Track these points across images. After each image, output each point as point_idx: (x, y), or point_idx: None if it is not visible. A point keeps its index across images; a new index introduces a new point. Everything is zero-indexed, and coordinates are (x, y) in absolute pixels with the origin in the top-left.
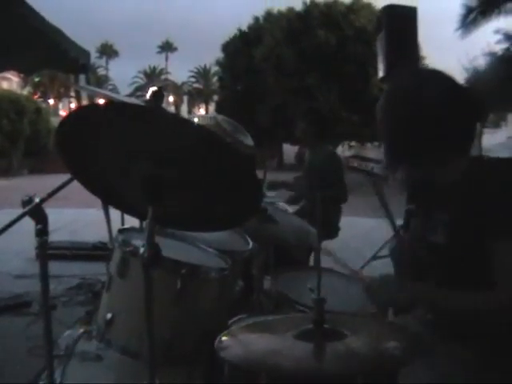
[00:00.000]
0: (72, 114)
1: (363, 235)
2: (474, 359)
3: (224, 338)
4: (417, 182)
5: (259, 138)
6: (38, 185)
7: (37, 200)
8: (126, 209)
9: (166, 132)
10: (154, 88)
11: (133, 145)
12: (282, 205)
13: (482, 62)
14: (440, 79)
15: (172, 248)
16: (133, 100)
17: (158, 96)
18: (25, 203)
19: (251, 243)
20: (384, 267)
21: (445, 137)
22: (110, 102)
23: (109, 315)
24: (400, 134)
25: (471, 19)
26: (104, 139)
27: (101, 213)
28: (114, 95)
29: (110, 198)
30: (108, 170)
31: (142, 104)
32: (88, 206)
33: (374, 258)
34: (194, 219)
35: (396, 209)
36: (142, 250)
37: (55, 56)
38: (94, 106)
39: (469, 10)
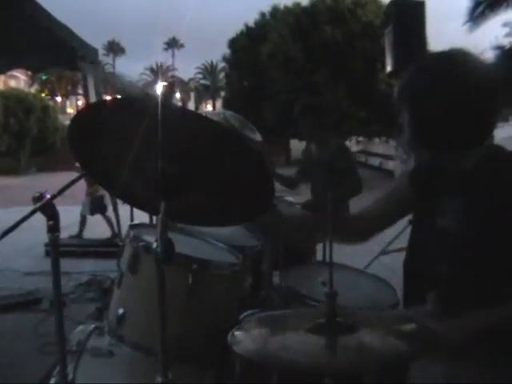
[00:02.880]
0: (84, 110)
1: None
2: (488, 356)
3: (237, 333)
4: (425, 166)
5: (267, 134)
6: (46, 183)
7: (48, 196)
8: (137, 204)
9: (177, 127)
10: (164, 83)
11: (145, 140)
12: (290, 199)
13: (490, 56)
14: (481, 67)
15: (183, 243)
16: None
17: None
18: (36, 199)
19: (261, 238)
20: (392, 263)
21: (480, 123)
22: (120, 98)
23: (120, 311)
24: (434, 118)
25: (479, 12)
26: (116, 135)
27: (108, 210)
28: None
29: (122, 193)
30: (120, 166)
31: (153, 98)
32: None
33: (383, 253)
34: (206, 214)
35: None
36: (155, 245)
37: (63, 54)
38: (104, 101)
39: (477, 3)
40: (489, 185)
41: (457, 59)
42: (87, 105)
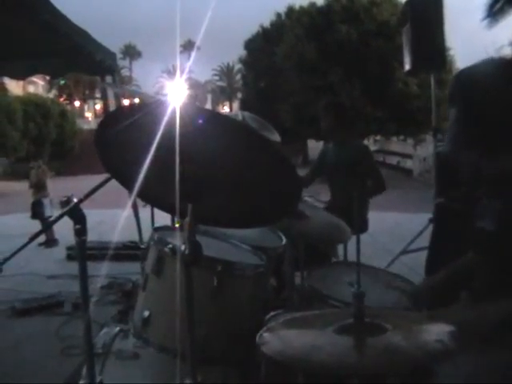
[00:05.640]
0: (111, 115)
1: (391, 230)
2: None
3: (265, 334)
4: (466, 171)
5: (284, 134)
6: (66, 187)
7: (75, 200)
8: (162, 206)
9: (203, 130)
10: (183, 87)
11: (170, 143)
12: (311, 200)
13: (508, 52)
14: None
15: (207, 245)
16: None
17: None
18: (63, 204)
19: (284, 239)
20: (413, 262)
21: None
22: (146, 103)
23: (146, 313)
24: (486, 121)
25: (498, 8)
26: (142, 139)
27: (128, 213)
28: (140, 91)
29: (147, 196)
30: (147, 170)
31: (181, 102)
32: (115, 206)
33: (403, 253)
34: (233, 216)
35: (424, 203)
36: (183, 248)
37: (82, 59)
38: (130, 106)
39: None
40: None
41: None
42: (112, 110)
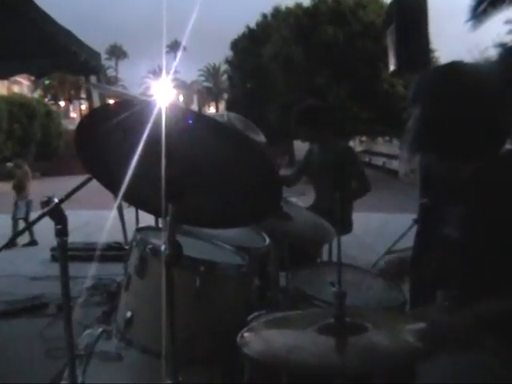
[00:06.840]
0: (90, 115)
1: (376, 230)
2: (496, 345)
3: (246, 334)
4: (432, 175)
5: (270, 135)
6: (51, 187)
7: (56, 200)
8: (144, 207)
9: (187, 130)
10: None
11: (151, 143)
12: (295, 200)
13: (492, 53)
14: (489, 83)
15: (189, 246)
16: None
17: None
18: (43, 204)
19: (267, 239)
20: None
21: (493, 134)
22: (127, 102)
23: (128, 314)
24: (449, 124)
25: (481, 10)
26: (122, 139)
27: (114, 214)
28: (125, 92)
29: (129, 196)
30: (127, 169)
31: (164, 102)
32: (100, 207)
33: (388, 253)
34: (213, 216)
35: (409, 203)
36: (163, 248)
37: (66, 58)
38: (109, 105)
39: (479, 1)
40: (488, 192)
41: (469, 71)
42: (92, 110)
